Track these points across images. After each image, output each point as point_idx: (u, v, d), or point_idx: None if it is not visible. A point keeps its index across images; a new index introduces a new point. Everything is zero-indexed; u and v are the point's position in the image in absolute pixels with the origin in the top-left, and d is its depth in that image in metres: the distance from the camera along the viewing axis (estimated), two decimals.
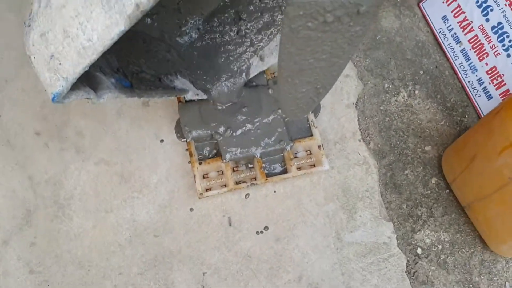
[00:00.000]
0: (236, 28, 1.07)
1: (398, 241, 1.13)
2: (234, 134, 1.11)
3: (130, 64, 0.95)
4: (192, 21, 1.08)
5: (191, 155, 1.11)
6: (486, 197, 1.01)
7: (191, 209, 1.13)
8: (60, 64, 0.70)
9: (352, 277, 1.09)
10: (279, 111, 1.12)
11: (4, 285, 1.06)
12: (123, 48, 0.93)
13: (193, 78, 1.06)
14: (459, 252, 1.13)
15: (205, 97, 1.09)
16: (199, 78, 1.05)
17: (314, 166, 1.12)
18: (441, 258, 1.12)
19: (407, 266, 1.11)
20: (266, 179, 1.09)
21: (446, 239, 1.14)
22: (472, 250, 1.13)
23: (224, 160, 1.09)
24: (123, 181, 1.15)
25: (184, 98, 1.13)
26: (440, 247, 1.13)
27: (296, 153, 1.15)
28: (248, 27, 1.06)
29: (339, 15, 0.53)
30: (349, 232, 1.13)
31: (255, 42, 1.08)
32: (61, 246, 1.10)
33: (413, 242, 1.13)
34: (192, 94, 1.08)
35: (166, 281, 1.07)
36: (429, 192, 1.18)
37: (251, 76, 1.12)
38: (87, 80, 0.80)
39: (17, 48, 1.26)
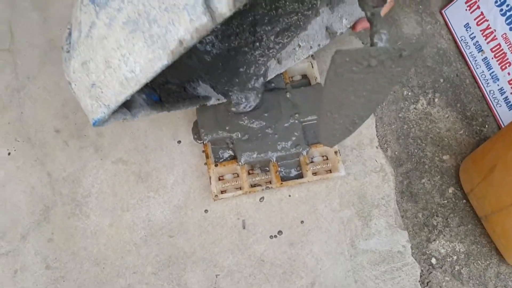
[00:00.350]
0: (254, 33, 1.07)
1: (413, 250, 1.12)
2: (251, 139, 1.11)
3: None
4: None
5: (207, 156, 1.11)
6: (504, 208, 1.00)
7: (206, 211, 1.14)
8: (102, 92, 0.71)
9: (365, 285, 1.09)
10: (297, 115, 1.12)
11: (22, 279, 1.08)
12: None
13: (213, 82, 1.06)
14: (474, 264, 1.12)
15: (224, 100, 1.10)
16: (219, 82, 1.05)
17: (330, 172, 1.12)
18: (456, 269, 1.11)
19: (420, 276, 1.10)
20: (281, 183, 1.09)
21: (461, 250, 1.13)
22: (488, 262, 1.12)
23: (240, 163, 1.10)
24: (140, 180, 1.16)
25: None
26: (455, 257, 1.12)
27: (312, 158, 1.15)
28: (266, 30, 1.06)
29: (382, 59, 0.56)
30: (364, 239, 1.12)
31: (273, 46, 1.08)
32: (78, 243, 1.11)
33: (427, 252, 1.12)
34: (214, 100, 1.09)
35: (179, 281, 1.08)
36: (446, 201, 1.17)
37: (268, 78, 1.13)
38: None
39: (39, 46, 1.28)
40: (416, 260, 1.11)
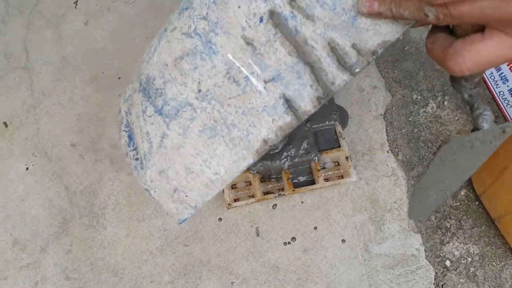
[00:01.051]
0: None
1: (427, 253, 1.12)
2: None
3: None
4: None
5: None
6: None
7: (220, 219, 1.15)
8: (186, 196, 0.69)
9: None
10: (309, 122, 1.13)
11: None
12: None
13: None
14: (489, 265, 1.11)
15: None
16: None
17: (342, 177, 1.13)
18: (471, 271, 1.11)
19: (435, 278, 1.10)
20: (294, 190, 1.10)
21: (475, 251, 1.13)
22: (503, 264, 1.12)
23: (251, 172, 1.11)
24: None
25: None
26: (469, 259, 1.12)
27: (323, 164, 1.16)
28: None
29: (486, 140, 0.57)
30: (377, 243, 1.13)
31: None
32: (96, 253, 1.14)
33: (441, 254, 1.12)
34: None
35: None
36: (458, 204, 1.17)
37: None
38: None
39: (53, 63, 1.31)
40: (430, 262, 1.12)
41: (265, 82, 0.59)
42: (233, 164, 0.64)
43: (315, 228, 1.14)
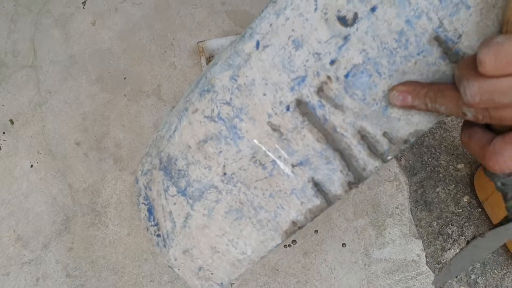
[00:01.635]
0: None
1: (427, 259, 1.12)
2: None
3: None
4: None
5: None
6: None
7: None
8: (211, 274, 0.67)
9: None
10: None
11: (43, 286, 1.12)
12: None
13: None
14: (491, 273, 1.11)
15: None
16: None
17: None
18: (472, 278, 1.11)
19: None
20: None
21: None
22: (504, 271, 1.11)
23: None
24: None
25: None
26: (470, 266, 1.11)
27: None
28: None
29: None
30: (378, 248, 1.13)
31: None
32: (97, 252, 1.14)
33: (442, 261, 1.12)
34: None
35: None
36: (461, 210, 1.16)
37: None
38: None
39: (60, 62, 1.33)
40: (431, 269, 1.11)
41: (293, 166, 0.58)
42: (261, 244, 0.62)
43: (316, 231, 1.14)
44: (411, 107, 0.50)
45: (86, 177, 1.21)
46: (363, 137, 0.54)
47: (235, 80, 0.57)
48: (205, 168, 0.62)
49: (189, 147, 0.63)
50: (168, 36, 1.35)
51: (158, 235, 0.70)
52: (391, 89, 0.50)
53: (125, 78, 1.31)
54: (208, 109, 0.60)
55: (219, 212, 0.63)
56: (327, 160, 0.56)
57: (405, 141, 0.53)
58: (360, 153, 0.55)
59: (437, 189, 1.18)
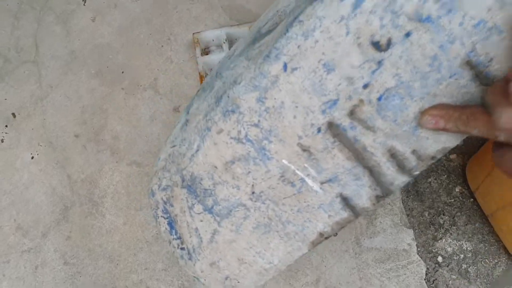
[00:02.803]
0: None
1: (418, 249, 1.12)
2: None
3: None
4: None
5: None
6: (508, 205, 1.00)
7: None
8: (238, 282, 0.69)
9: (370, 282, 1.10)
10: None
11: (42, 274, 1.15)
12: None
13: None
14: (482, 262, 1.11)
15: None
16: None
17: None
18: (463, 268, 1.11)
19: (426, 274, 1.10)
20: None
21: (468, 248, 1.12)
22: (496, 261, 1.11)
23: None
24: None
25: None
26: (462, 256, 1.12)
27: None
28: None
29: None
30: (369, 237, 1.14)
31: None
32: (94, 240, 1.17)
33: (433, 250, 1.12)
34: None
35: (188, 277, 1.12)
36: (453, 200, 1.17)
37: None
38: None
39: (61, 57, 1.36)
40: (422, 258, 1.12)
41: (321, 183, 0.58)
42: (288, 254, 0.64)
43: None
44: (443, 130, 0.50)
45: (84, 168, 1.24)
46: (393, 155, 0.55)
47: (263, 102, 0.56)
48: (233, 188, 0.63)
49: (215, 167, 0.63)
50: (165, 31, 1.38)
51: (182, 249, 0.71)
52: (423, 112, 0.51)
53: (123, 72, 1.34)
54: (234, 130, 0.59)
55: (247, 228, 0.64)
56: (355, 177, 0.57)
57: (433, 158, 0.54)
58: (388, 170, 0.56)
59: (429, 179, 1.19)
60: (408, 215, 1.15)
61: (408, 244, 1.13)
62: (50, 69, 1.36)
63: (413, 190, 1.18)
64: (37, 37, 1.41)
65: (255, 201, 0.62)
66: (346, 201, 0.58)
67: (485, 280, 1.09)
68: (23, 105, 1.33)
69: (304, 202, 0.60)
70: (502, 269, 1.10)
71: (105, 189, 1.22)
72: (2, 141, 1.29)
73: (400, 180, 0.56)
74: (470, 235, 1.13)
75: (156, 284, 1.12)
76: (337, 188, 0.58)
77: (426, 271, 1.10)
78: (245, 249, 0.65)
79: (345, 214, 0.59)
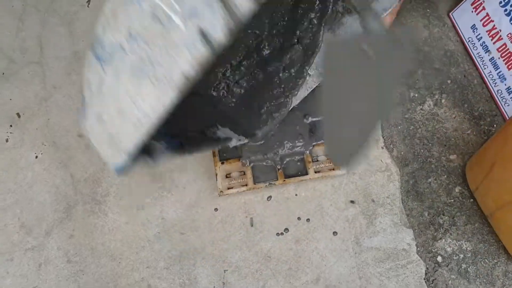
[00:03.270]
0: (265, 71, 1.10)
1: (418, 248, 1.13)
2: (258, 143, 1.15)
3: (173, 126, 0.98)
4: (222, 73, 1.11)
5: (214, 155, 1.17)
6: (506, 205, 1.00)
7: (216, 209, 1.19)
8: (120, 141, 0.74)
9: (370, 281, 1.11)
10: (306, 116, 1.16)
11: (45, 272, 1.16)
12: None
13: (232, 127, 1.09)
14: (482, 262, 1.11)
15: (246, 141, 1.11)
16: (239, 127, 1.08)
17: (333, 170, 1.15)
18: (462, 267, 1.11)
19: (426, 274, 1.11)
20: (284, 180, 1.13)
21: (468, 248, 1.13)
22: (495, 261, 1.12)
23: (245, 163, 1.15)
24: (154, 181, 1.23)
25: None
26: (461, 256, 1.12)
27: (317, 157, 1.18)
28: (276, 66, 1.09)
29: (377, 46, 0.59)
30: (368, 237, 1.14)
31: (286, 82, 1.10)
32: (96, 239, 1.19)
33: (433, 250, 1.13)
34: (235, 141, 1.11)
35: (189, 276, 1.14)
36: (452, 200, 1.17)
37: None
38: (143, 149, 0.83)
39: (65, 58, 1.38)
40: (421, 258, 1.12)
41: (184, 19, 0.64)
42: (158, 101, 0.68)
43: (308, 220, 1.16)
44: None
45: (87, 168, 1.26)
46: None
47: None
48: (115, 31, 0.68)
49: (106, 16, 0.69)
50: None
51: (83, 110, 0.77)
52: None
53: None
54: None
55: (125, 71, 0.69)
56: (210, 7, 0.61)
57: None
58: None
59: (429, 180, 1.20)
60: (408, 215, 1.16)
61: (407, 243, 1.14)
62: (54, 70, 1.38)
63: (413, 190, 1.18)
64: (42, 39, 1.42)
65: (132, 44, 0.67)
66: (204, 36, 0.62)
67: (484, 280, 1.10)
68: (27, 105, 1.34)
69: (170, 39, 0.64)
70: (502, 269, 1.10)
71: (107, 188, 1.23)
72: (7, 140, 1.30)
73: (246, 5, 0.60)
74: (470, 235, 1.14)
75: (158, 282, 1.13)
76: (196, 21, 0.63)
77: (425, 271, 1.11)
78: (123, 97, 0.70)
79: (203, 49, 0.63)
